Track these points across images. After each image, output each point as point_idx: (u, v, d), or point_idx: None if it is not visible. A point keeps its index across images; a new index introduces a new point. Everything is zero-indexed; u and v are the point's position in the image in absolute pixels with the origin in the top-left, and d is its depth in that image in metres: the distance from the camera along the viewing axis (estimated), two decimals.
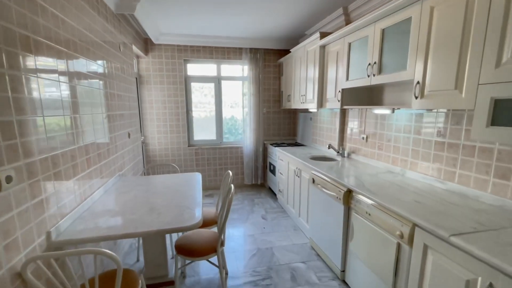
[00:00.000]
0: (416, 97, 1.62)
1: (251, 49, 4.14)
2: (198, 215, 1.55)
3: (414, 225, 1.34)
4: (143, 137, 4.01)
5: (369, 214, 1.68)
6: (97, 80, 2.02)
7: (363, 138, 2.67)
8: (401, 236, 1.40)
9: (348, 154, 2.94)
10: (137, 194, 1.94)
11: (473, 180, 1.60)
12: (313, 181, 2.44)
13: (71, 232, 1.36)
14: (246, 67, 4.17)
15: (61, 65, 1.48)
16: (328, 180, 2.19)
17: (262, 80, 4.29)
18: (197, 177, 2.43)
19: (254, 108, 4.25)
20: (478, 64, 1.25)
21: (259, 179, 4.49)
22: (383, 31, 1.92)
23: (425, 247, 1.27)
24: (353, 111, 2.84)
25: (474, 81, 1.27)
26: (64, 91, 1.51)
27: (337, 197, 2.02)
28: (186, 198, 1.85)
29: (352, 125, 2.86)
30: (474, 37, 1.27)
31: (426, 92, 1.56)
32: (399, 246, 1.45)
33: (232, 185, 1.91)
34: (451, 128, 1.73)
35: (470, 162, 1.61)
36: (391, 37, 1.85)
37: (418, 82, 1.60)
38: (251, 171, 4.43)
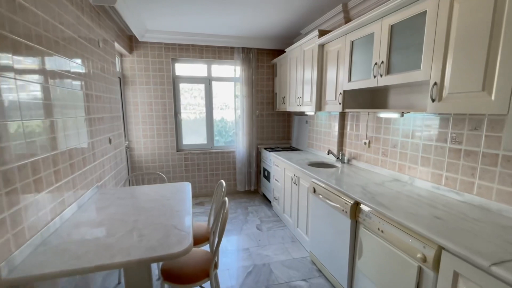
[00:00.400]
0: (433, 100, 1.45)
1: (243, 48, 3.94)
2: (188, 238, 1.32)
3: (441, 248, 1.16)
4: (127, 142, 3.72)
5: (382, 231, 1.50)
6: (70, 80, 1.76)
7: (365, 143, 2.50)
8: (424, 260, 1.22)
9: (348, 160, 2.77)
10: (117, 210, 1.69)
11: (495, 192, 1.45)
12: (314, 190, 2.25)
13: (29, 265, 1.10)
14: (238, 68, 3.96)
15: (18, 60, 1.22)
16: (332, 190, 2.00)
17: (255, 82, 4.09)
18: (186, 187, 2.19)
19: (247, 111, 4.04)
20: None
21: (252, 185, 4.27)
22: (391, 27, 1.75)
23: (456, 275, 1.09)
24: (353, 114, 2.67)
25: (507, 82, 1.11)
26: (23, 91, 1.25)
27: (342, 210, 1.83)
28: (174, 215, 1.61)
29: (352, 129, 2.69)
30: (506, 31, 1.10)
31: (444, 94, 1.40)
32: (420, 270, 1.27)
33: (226, 199, 1.69)
34: (468, 134, 1.57)
35: (492, 172, 1.46)
36: (402, 34, 1.68)
37: (435, 83, 1.44)
38: (244, 177, 4.21)
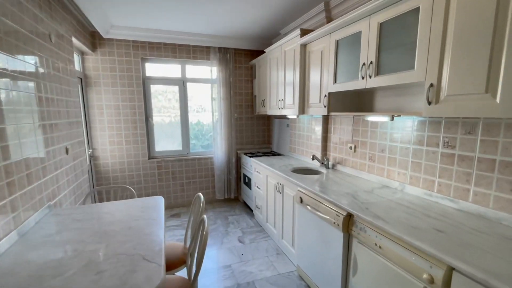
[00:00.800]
0: (430, 103, 1.35)
1: (220, 48, 3.72)
2: (159, 272, 1.08)
3: (451, 268, 1.03)
4: (91, 150, 3.32)
5: (380, 247, 1.36)
6: (8, 79, 1.43)
7: (350, 147, 2.40)
8: (431, 281, 1.09)
9: (333, 165, 2.66)
10: (71, 237, 1.39)
11: (493, 200, 1.37)
12: (301, 200, 2.09)
13: None
14: (214, 69, 3.73)
15: None
16: (321, 201, 1.85)
17: (233, 83, 3.89)
18: (159, 202, 1.92)
19: (225, 114, 3.81)
20: None
21: (233, 193, 4.04)
22: (380, 25, 1.64)
23: None
24: (337, 117, 2.56)
25: None
26: None
27: (334, 222, 1.68)
28: (143, 240, 1.35)
29: (337, 133, 2.58)
30: None
31: (442, 96, 1.30)
32: None
33: (205, 217, 1.47)
34: (462, 138, 1.50)
35: (489, 178, 1.38)
36: (392, 32, 1.58)
37: (431, 85, 1.34)
38: (223, 184, 3.97)
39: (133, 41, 3.38)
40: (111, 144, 3.48)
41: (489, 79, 1.10)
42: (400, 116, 1.71)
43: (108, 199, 3.12)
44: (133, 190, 2.23)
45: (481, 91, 1.13)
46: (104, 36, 3.16)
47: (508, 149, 1.30)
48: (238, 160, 4.07)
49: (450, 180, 1.57)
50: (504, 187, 1.32)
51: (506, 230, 1.25)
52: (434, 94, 1.33)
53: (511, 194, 1.30)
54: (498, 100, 1.07)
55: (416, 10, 1.40)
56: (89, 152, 3.27)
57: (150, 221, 1.60)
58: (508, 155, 1.30)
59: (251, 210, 3.66)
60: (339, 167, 2.57)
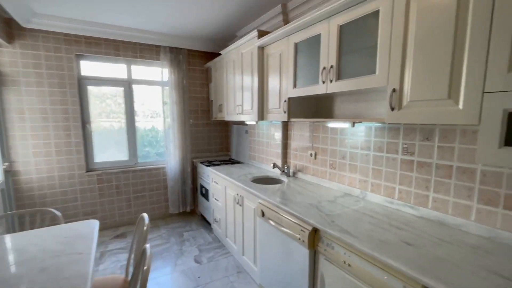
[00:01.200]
0: (393, 109, 1.30)
1: (171, 48, 3.40)
2: None
3: None
4: (6, 164, 2.70)
5: (349, 265, 1.25)
6: None
7: (311, 154, 2.32)
8: None
9: (294, 173, 2.56)
10: None
11: (451, 206, 1.37)
12: (263, 214, 1.91)
13: None
14: (166, 70, 3.40)
15: None
16: (285, 215, 1.70)
17: (187, 87, 3.59)
18: (92, 228, 1.57)
19: (179, 120, 3.49)
20: (482, 66, 0.97)
21: (188, 206, 3.70)
22: (340, 28, 1.58)
23: None
24: (297, 124, 2.48)
25: (476, 89, 0.99)
26: None
27: (299, 238, 1.54)
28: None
29: (297, 139, 2.50)
30: (473, 31, 0.99)
31: (405, 102, 1.25)
32: None
33: (148, 246, 1.20)
34: (420, 144, 1.49)
35: (447, 185, 1.38)
36: (353, 35, 1.52)
37: (394, 90, 1.29)
38: (178, 197, 3.61)
39: (65, 34, 2.87)
40: (36, 156, 2.89)
41: (451, 85, 1.07)
42: (361, 122, 1.66)
43: (24, 228, 2.55)
44: (56, 212, 1.79)
45: (443, 97, 1.09)
46: (23, 25, 2.62)
47: (464, 155, 1.30)
48: (194, 170, 3.76)
49: (410, 187, 1.56)
50: (461, 193, 1.33)
51: (467, 237, 1.24)
52: (397, 100, 1.28)
53: (469, 200, 1.30)
54: (460, 106, 1.04)
55: (376, 13, 1.35)
56: (4, 167, 2.65)
57: (74, 257, 1.25)
58: (465, 161, 1.30)
59: (209, 224, 3.38)
60: (300, 175, 2.48)
